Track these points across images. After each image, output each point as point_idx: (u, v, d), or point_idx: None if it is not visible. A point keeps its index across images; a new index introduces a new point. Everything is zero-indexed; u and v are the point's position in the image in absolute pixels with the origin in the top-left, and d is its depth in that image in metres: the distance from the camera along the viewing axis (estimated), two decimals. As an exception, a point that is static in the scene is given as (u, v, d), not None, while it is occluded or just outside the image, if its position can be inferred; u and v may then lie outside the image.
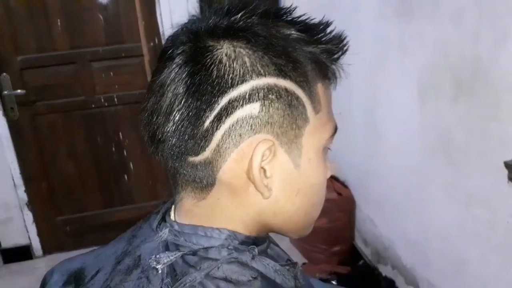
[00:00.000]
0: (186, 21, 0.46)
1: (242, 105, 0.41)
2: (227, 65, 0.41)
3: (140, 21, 2.18)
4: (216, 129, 0.41)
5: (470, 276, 1.34)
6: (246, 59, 0.41)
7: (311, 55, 0.44)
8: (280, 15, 0.44)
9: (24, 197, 2.40)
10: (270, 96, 0.41)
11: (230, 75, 0.40)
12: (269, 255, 0.49)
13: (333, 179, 2.26)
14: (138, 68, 2.27)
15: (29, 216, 2.44)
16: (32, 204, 2.42)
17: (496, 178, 1.14)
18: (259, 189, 0.43)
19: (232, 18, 0.43)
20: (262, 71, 0.41)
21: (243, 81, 0.41)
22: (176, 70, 0.42)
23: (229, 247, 0.44)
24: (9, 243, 2.48)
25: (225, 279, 0.43)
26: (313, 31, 0.44)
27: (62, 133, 2.37)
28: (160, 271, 0.43)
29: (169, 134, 0.43)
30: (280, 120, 0.42)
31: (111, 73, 2.32)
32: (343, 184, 2.26)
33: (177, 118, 0.42)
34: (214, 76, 0.41)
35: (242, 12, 0.42)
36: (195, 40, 0.42)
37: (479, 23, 1.13)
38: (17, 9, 2.14)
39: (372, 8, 1.69)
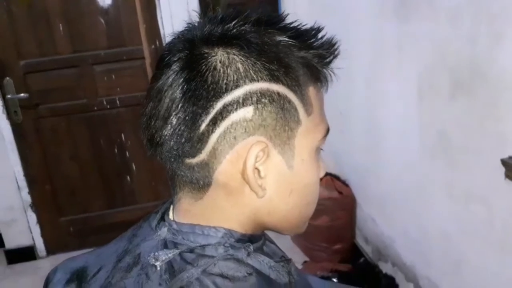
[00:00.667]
0: (182, 29, 0.48)
1: (236, 109, 0.43)
2: (221, 71, 0.43)
3: (141, 24, 2.20)
4: (212, 132, 0.43)
5: (469, 273, 1.36)
6: (240, 65, 0.43)
7: (302, 59, 0.46)
8: (272, 23, 0.46)
9: (27, 198, 2.43)
10: (263, 100, 0.43)
11: (225, 81, 0.42)
12: (265, 252, 0.51)
13: (334, 178, 2.28)
14: (139, 70, 2.29)
15: (32, 217, 2.47)
16: (35, 206, 2.45)
17: (493, 176, 1.15)
18: (253, 189, 0.45)
19: (226, 26, 0.45)
20: (255, 76, 0.43)
21: (237, 86, 0.43)
22: (173, 77, 0.44)
23: (225, 245, 0.46)
24: (13, 244, 2.51)
25: (221, 275, 0.45)
26: (304, 37, 0.46)
27: (65, 135, 2.40)
28: (158, 268, 0.45)
29: (167, 137, 0.45)
30: (273, 123, 0.44)
31: (113, 76, 2.34)
32: (344, 183, 2.27)
33: (174, 122, 0.44)
34: (209, 82, 0.43)
35: (236, 21, 0.44)
36: (191, 47, 0.44)
37: (475, 23, 1.15)
38: (19, 14, 2.16)
39: (371, 9, 1.71)
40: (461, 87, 1.25)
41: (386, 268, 1.95)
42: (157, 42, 2.28)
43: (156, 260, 0.45)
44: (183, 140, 0.44)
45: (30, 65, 2.24)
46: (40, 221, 2.49)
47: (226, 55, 0.43)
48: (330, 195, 2.18)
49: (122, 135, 2.46)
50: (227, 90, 0.42)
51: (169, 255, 0.46)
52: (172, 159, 0.46)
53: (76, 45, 2.26)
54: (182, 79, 0.43)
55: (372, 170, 1.97)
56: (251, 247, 0.48)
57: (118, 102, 2.38)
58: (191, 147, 0.44)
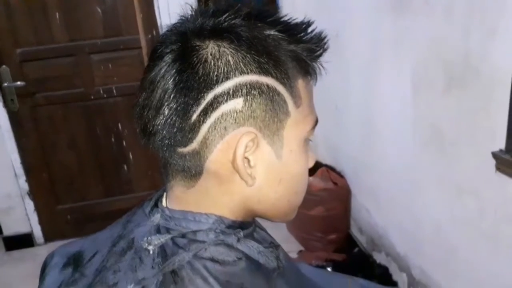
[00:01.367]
0: (175, 21, 0.49)
1: (226, 100, 0.44)
2: (212, 63, 0.44)
3: (138, 14, 2.20)
4: (203, 122, 0.45)
5: (460, 263, 1.38)
6: (230, 58, 0.44)
7: (292, 53, 0.47)
8: (262, 17, 0.47)
9: (25, 186, 2.45)
10: (252, 92, 0.45)
11: (215, 73, 0.44)
12: (255, 238, 0.53)
13: (330, 169, 2.30)
14: (136, 60, 2.30)
15: (30, 205, 2.49)
16: (33, 194, 2.47)
17: (484, 168, 1.17)
18: (243, 178, 0.47)
19: (217, 20, 0.46)
20: (245, 69, 0.44)
21: (227, 78, 0.44)
22: (166, 68, 0.45)
23: (216, 231, 0.48)
24: (11, 231, 2.53)
25: (212, 259, 0.47)
26: (294, 31, 0.47)
27: (62, 124, 2.41)
28: (151, 252, 0.47)
29: (159, 127, 0.46)
30: (262, 114, 0.46)
31: (110, 65, 2.34)
32: (340, 174, 2.29)
33: (166, 112, 0.45)
34: (200, 74, 0.44)
35: (226, 14, 0.45)
36: (183, 40, 0.46)
37: (469, 18, 1.16)
38: (16, 2, 2.16)
39: (368, 3, 1.71)
40: (455, 81, 1.26)
41: (380, 258, 1.98)
42: (154, 32, 2.28)
43: (149, 244, 0.47)
44: (175, 129, 0.46)
45: (27, 53, 2.24)
46: (37, 209, 2.51)
47: (217, 47, 0.44)
48: (325, 186, 2.20)
49: (119, 124, 2.47)
50: (217, 82, 0.44)
51: (162, 239, 0.47)
52: (165, 148, 0.48)
53: (73, 34, 2.26)
54: (174, 70, 0.45)
55: (366, 162, 1.99)
56: (241, 233, 0.49)
57: (115, 91, 2.38)
58: (182, 137, 0.46)
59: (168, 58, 0.45)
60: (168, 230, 0.49)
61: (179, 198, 0.51)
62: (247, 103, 0.45)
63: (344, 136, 2.22)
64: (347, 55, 1.99)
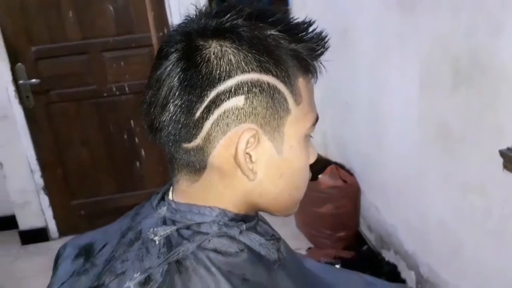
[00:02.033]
0: (181, 22, 0.51)
1: (228, 98, 0.46)
2: (214, 62, 0.46)
3: (149, 12, 2.22)
4: (206, 119, 0.47)
5: (467, 261, 1.38)
6: (232, 57, 0.46)
7: (292, 52, 0.49)
8: (263, 17, 0.48)
9: (40, 182, 2.50)
10: (253, 90, 0.46)
11: (218, 71, 0.46)
12: (258, 231, 0.55)
13: (339, 167, 2.31)
14: (147, 58, 2.33)
15: (45, 200, 2.54)
16: (48, 189, 2.53)
17: (491, 166, 1.17)
18: (244, 173, 0.49)
19: (220, 20, 0.48)
20: (246, 67, 0.46)
21: (229, 76, 0.46)
22: (171, 67, 0.47)
23: (219, 223, 0.50)
24: (27, 225, 2.59)
25: (215, 250, 0.49)
26: (294, 31, 0.49)
27: (75, 121, 2.45)
28: (157, 242, 0.49)
29: (165, 123, 0.49)
30: (263, 112, 0.47)
31: (122, 63, 2.38)
32: (349, 172, 2.30)
33: (171, 109, 0.48)
34: (204, 72, 0.46)
35: (229, 15, 0.47)
36: (187, 40, 0.48)
37: (476, 15, 1.16)
38: (30, 1, 2.20)
39: (376, 0, 1.72)
40: (462, 78, 1.26)
41: (388, 256, 1.99)
42: (165, 30, 2.31)
43: (155, 235, 0.49)
44: (180, 126, 0.48)
45: (41, 51, 2.29)
46: (52, 204, 2.56)
47: (219, 47, 0.46)
48: (334, 184, 2.21)
49: (131, 121, 2.50)
50: (220, 80, 0.46)
51: (167, 230, 0.50)
52: (170, 144, 0.50)
53: (86, 32, 2.30)
54: (179, 69, 0.47)
55: (375, 159, 1.99)
56: (244, 226, 0.51)
57: (127, 88, 2.42)
58: (187, 133, 0.48)
59: (173, 57, 0.48)
60: (173, 222, 0.51)
61: (184, 191, 0.53)
62: (248, 101, 0.46)
63: (353, 133, 2.22)
64: (355, 51, 2.00)
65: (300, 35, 0.49)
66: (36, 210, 2.56)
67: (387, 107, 1.78)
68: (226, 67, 0.46)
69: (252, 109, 0.47)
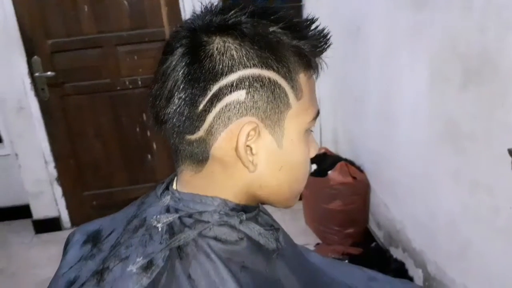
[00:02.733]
0: (187, 18, 0.53)
1: (230, 92, 0.48)
2: (217, 57, 0.48)
3: (163, 7, 2.25)
4: (209, 112, 0.48)
5: (474, 260, 1.38)
6: (234, 53, 0.48)
7: (294, 48, 0.50)
8: (266, 14, 0.50)
9: (54, 173, 2.56)
10: (255, 84, 0.48)
11: (220, 66, 0.47)
12: (259, 222, 0.57)
13: (350, 163, 2.31)
14: (160, 52, 2.34)
15: (58, 190, 2.60)
16: (61, 180, 2.58)
17: (500, 165, 1.17)
18: (245, 164, 0.51)
19: (223, 17, 0.49)
20: (248, 63, 0.48)
21: (231, 71, 0.47)
22: (176, 61, 0.49)
23: (220, 212, 0.52)
24: (41, 215, 2.65)
25: (215, 238, 0.51)
26: (296, 28, 0.50)
27: (89, 113, 2.49)
28: (160, 229, 0.51)
29: (169, 115, 0.50)
30: (264, 106, 0.49)
31: (135, 57, 2.41)
32: (359, 169, 2.30)
33: (176, 101, 0.49)
34: (207, 67, 0.48)
35: (232, 12, 0.49)
36: (192, 35, 0.50)
37: (486, 13, 1.15)
38: (47, -5, 2.24)
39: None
40: (472, 76, 1.26)
41: (397, 253, 1.99)
42: (178, 25, 2.32)
43: (158, 222, 0.51)
44: (184, 118, 0.49)
45: (57, 44, 2.33)
46: (65, 194, 2.62)
47: (222, 43, 0.48)
48: (344, 180, 2.21)
49: (144, 115, 2.53)
50: (222, 75, 0.47)
51: (170, 218, 0.52)
52: (175, 135, 0.52)
53: (101, 26, 2.33)
54: (184, 63, 0.49)
55: (385, 156, 1.99)
56: (244, 215, 0.53)
57: (140, 82, 2.45)
58: (190, 125, 0.50)
59: (178, 52, 0.49)
60: (176, 211, 0.53)
61: (188, 182, 0.55)
62: (249, 95, 0.48)
63: (364, 130, 2.22)
64: (367, 48, 2.00)
65: (302, 32, 0.50)
66: (50, 200, 2.62)
67: (397, 104, 1.78)
68: (228, 62, 0.47)
69: (253, 103, 0.48)
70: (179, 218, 0.52)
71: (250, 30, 0.48)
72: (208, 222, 0.51)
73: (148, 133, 2.58)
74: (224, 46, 0.48)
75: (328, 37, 0.52)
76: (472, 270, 1.40)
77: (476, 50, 1.22)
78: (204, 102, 0.48)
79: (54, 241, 2.52)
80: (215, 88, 0.47)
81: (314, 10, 2.48)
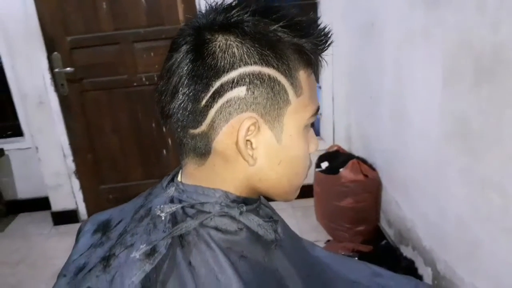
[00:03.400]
0: (194, 16, 0.55)
1: (231, 88, 0.50)
2: (219, 55, 0.50)
3: (179, 4, 2.29)
4: (211, 107, 0.51)
5: (483, 259, 1.38)
6: (235, 50, 0.50)
7: (294, 46, 0.52)
8: (268, 13, 0.52)
9: (72, 166, 2.63)
10: (255, 81, 0.50)
11: (222, 63, 0.50)
12: (260, 214, 0.59)
13: (361, 161, 2.31)
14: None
15: (76, 183, 2.67)
16: (79, 173, 2.65)
17: (510, 164, 1.17)
18: (244, 158, 0.53)
19: (226, 15, 0.52)
20: (248, 60, 0.50)
21: (232, 68, 0.50)
22: (181, 58, 0.52)
23: (222, 204, 0.55)
24: (59, 207, 2.72)
25: (216, 228, 0.53)
26: (297, 26, 0.52)
27: (107, 109, 2.55)
28: (163, 218, 0.54)
29: (174, 110, 0.53)
30: (263, 102, 0.51)
31: (152, 54, 2.45)
32: (371, 167, 2.30)
33: (180, 97, 0.52)
34: (209, 64, 0.50)
35: (235, 11, 0.51)
36: (196, 33, 0.52)
37: (499, 11, 1.14)
38: (67, -7, 2.30)
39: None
40: (484, 74, 1.25)
41: (407, 251, 1.98)
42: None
43: (162, 211, 0.54)
44: (187, 113, 0.52)
45: (76, 41, 2.39)
46: (82, 187, 2.69)
47: (224, 41, 0.50)
48: (355, 178, 2.22)
49: (159, 111, 2.57)
50: (224, 72, 0.50)
51: (173, 208, 0.54)
52: (179, 129, 0.54)
53: (118, 23, 2.38)
54: (188, 60, 0.51)
55: (397, 154, 1.99)
56: (244, 207, 0.56)
57: (156, 78, 2.49)
58: (193, 119, 0.52)
59: (183, 49, 0.52)
60: (180, 201, 0.56)
61: (191, 174, 0.57)
62: (249, 91, 0.50)
63: (377, 128, 2.22)
64: (381, 45, 2.00)
65: (303, 30, 0.52)
66: (68, 193, 2.69)
67: (409, 101, 1.78)
68: (229, 60, 0.50)
69: (253, 99, 0.51)
70: (182, 208, 0.54)
71: (251, 28, 0.50)
72: (210, 212, 0.54)
73: (164, 129, 2.62)
74: (226, 44, 0.50)
75: (329, 35, 0.53)
76: (481, 269, 1.40)
77: (488, 48, 1.21)
78: (206, 98, 0.51)
79: (71, 233, 2.53)
80: (217, 84, 0.50)
81: (329, 6, 2.49)
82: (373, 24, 2.08)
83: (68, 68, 2.40)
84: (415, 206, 1.87)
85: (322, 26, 0.54)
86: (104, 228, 0.65)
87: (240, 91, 0.50)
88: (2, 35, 2.44)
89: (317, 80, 2.81)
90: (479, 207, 1.35)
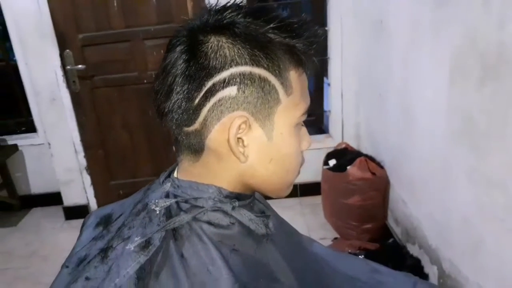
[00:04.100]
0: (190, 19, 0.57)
1: (223, 88, 0.52)
2: (211, 55, 0.52)
3: (188, 2, 2.31)
4: (203, 106, 0.53)
5: (487, 258, 1.37)
6: (227, 51, 0.52)
7: (285, 47, 0.53)
8: (259, 15, 0.53)
9: (83, 162, 2.67)
10: (245, 81, 0.52)
11: (214, 63, 0.51)
12: (254, 209, 0.61)
13: (369, 159, 2.31)
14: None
15: (87, 179, 2.72)
16: (90, 169, 2.69)
17: (514, 163, 1.16)
18: (236, 155, 0.55)
19: (219, 17, 0.53)
20: (239, 60, 0.51)
21: (223, 68, 0.51)
22: (175, 59, 0.54)
23: (215, 199, 0.56)
24: (71, 202, 2.78)
25: (208, 222, 0.55)
26: (288, 27, 0.53)
27: (117, 105, 2.59)
28: (158, 212, 0.56)
29: (169, 108, 0.55)
30: (254, 101, 0.53)
31: (162, 51, 2.44)
32: (379, 165, 2.30)
33: (174, 96, 0.54)
34: (202, 64, 0.52)
35: (227, 12, 0.53)
36: (190, 34, 0.54)
37: (505, 9, 1.14)
38: (79, -9, 2.34)
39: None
40: (490, 72, 1.24)
41: (413, 250, 1.98)
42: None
43: (156, 206, 0.56)
44: (181, 111, 0.54)
45: (88, 38, 2.43)
46: (93, 183, 2.73)
47: (216, 42, 0.52)
48: (363, 176, 2.22)
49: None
50: (216, 72, 0.51)
51: (167, 202, 0.56)
52: (174, 127, 0.56)
53: (129, 21, 2.41)
54: (182, 60, 0.53)
55: (404, 152, 1.98)
56: (236, 202, 0.57)
57: (165, 76, 2.51)
58: (187, 118, 0.54)
59: (178, 50, 0.54)
60: (175, 196, 0.58)
61: (187, 170, 0.59)
62: (240, 91, 0.52)
63: (385, 126, 2.22)
64: (390, 42, 2.00)
65: (294, 31, 0.53)
66: (79, 188, 2.74)
67: (417, 100, 1.77)
68: (221, 60, 0.51)
69: (244, 98, 0.52)
70: (177, 203, 0.57)
71: (243, 30, 0.52)
72: (203, 207, 0.56)
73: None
74: (218, 45, 0.52)
75: (319, 37, 0.55)
76: (485, 268, 1.39)
77: (494, 46, 1.21)
78: (199, 97, 0.52)
79: (83, 227, 2.63)
80: (209, 83, 0.52)
81: (338, 4, 2.49)
82: (382, 22, 2.08)
83: (80, 65, 2.45)
84: (421, 204, 1.87)
85: (312, 27, 0.55)
86: (105, 222, 0.68)
87: (231, 91, 0.52)
88: (16, 33, 2.50)
89: (326, 77, 2.81)
90: (484, 206, 1.35)
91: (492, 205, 1.30)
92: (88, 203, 2.78)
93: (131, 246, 0.53)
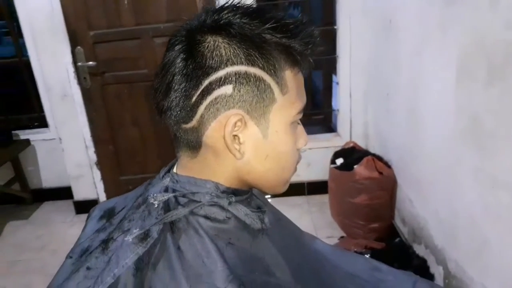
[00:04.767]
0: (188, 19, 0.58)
1: (219, 86, 0.53)
2: (208, 55, 0.53)
3: (198, 0, 2.32)
4: (200, 103, 0.54)
5: (492, 259, 1.37)
6: (223, 51, 0.53)
7: (281, 47, 0.55)
8: (256, 15, 0.54)
9: (93, 157, 2.71)
10: (241, 80, 0.53)
11: (210, 63, 0.53)
12: (251, 205, 0.62)
13: (377, 158, 2.31)
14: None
15: (97, 174, 2.75)
16: (100, 164, 2.73)
17: (520, 164, 1.16)
18: (231, 152, 0.56)
19: (216, 17, 0.54)
20: (235, 60, 0.53)
21: (220, 67, 0.53)
22: (174, 57, 0.55)
23: (212, 194, 0.58)
24: (81, 196, 2.83)
25: (205, 216, 0.57)
26: (283, 28, 0.54)
27: (127, 102, 2.62)
28: (156, 206, 0.58)
29: (168, 106, 0.57)
30: (249, 99, 0.54)
31: (171, 49, 2.49)
32: (387, 164, 2.29)
33: (173, 94, 0.55)
34: (199, 63, 0.53)
35: (224, 13, 0.54)
36: (189, 34, 0.55)
37: (510, 7, 1.13)
38: (90, -12, 2.37)
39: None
40: (497, 72, 1.24)
41: (419, 250, 1.98)
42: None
43: (155, 199, 0.58)
44: (179, 109, 0.56)
45: (99, 35, 2.46)
46: (103, 178, 2.77)
47: (213, 42, 0.53)
48: (370, 175, 2.22)
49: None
50: (212, 71, 0.53)
51: (165, 196, 0.58)
52: (173, 124, 0.58)
53: (139, 19, 2.44)
54: (180, 59, 0.54)
55: (411, 151, 1.98)
56: (233, 198, 0.59)
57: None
58: (185, 115, 0.56)
59: (177, 49, 0.55)
60: (173, 191, 0.59)
61: (185, 166, 0.61)
62: (236, 89, 0.53)
63: (392, 125, 2.21)
64: (399, 41, 1.99)
65: (290, 32, 0.54)
66: (89, 183, 2.78)
67: (424, 99, 1.77)
68: (217, 59, 0.53)
69: (240, 97, 0.54)
70: (175, 197, 0.58)
71: (239, 30, 0.53)
72: (200, 202, 0.57)
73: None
74: (214, 45, 0.53)
75: (316, 37, 0.56)
76: (490, 269, 1.39)
77: (501, 46, 1.20)
78: (196, 95, 0.54)
79: (92, 221, 2.67)
80: (206, 82, 0.53)
81: (347, 3, 2.48)
82: (391, 21, 2.07)
83: (91, 62, 2.48)
84: (427, 204, 1.86)
85: (309, 27, 0.56)
86: (109, 214, 0.70)
87: (227, 89, 0.53)
88: (29, 30, 2.55)
89: (335, 75, 2.81)
90: (489, 206, 1.34)
91: (498, 205, 1.30)
92: (98, 197, 2.82)
93: (129, 238, 0.55)
